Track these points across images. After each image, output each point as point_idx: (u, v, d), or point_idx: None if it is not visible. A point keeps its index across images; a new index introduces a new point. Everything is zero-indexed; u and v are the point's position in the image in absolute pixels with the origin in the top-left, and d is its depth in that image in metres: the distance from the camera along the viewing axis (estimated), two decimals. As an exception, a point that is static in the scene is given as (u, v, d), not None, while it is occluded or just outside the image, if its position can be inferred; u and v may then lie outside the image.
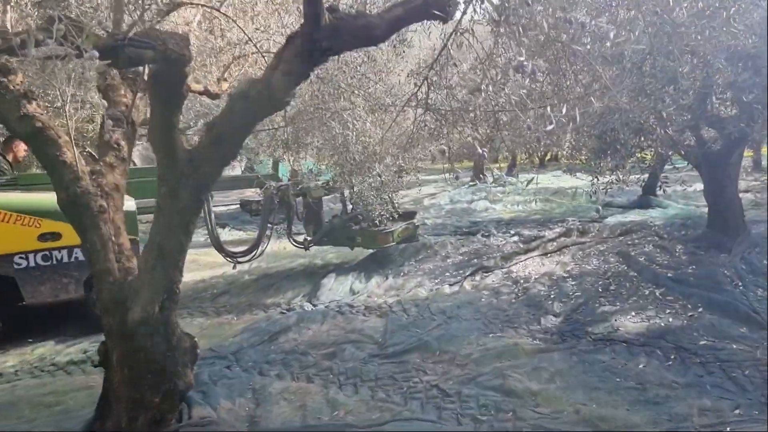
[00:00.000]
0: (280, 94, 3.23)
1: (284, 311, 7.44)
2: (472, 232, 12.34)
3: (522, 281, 8.15)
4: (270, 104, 3.31)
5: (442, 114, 4.84)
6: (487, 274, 8.72)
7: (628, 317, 6.34)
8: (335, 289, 8.19)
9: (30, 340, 6.79)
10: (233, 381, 5.16)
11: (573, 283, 7.84)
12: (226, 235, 13.69)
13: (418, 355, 5.64)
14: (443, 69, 4.61)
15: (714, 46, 5.11)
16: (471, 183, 20.62)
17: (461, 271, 8.86)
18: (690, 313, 6.28)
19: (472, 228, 12.84)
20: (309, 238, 9.10)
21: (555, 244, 10.43)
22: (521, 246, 10.39)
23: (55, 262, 6.79)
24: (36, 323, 7.15)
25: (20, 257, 6.60)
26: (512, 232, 12.01)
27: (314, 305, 7.69)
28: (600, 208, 12.48)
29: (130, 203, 7.40)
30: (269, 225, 8.60)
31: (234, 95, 3.30)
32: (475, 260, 9.56)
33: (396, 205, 9.18)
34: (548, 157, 26.87)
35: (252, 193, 9.98)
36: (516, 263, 9.23)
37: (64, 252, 6.82)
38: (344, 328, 6.59)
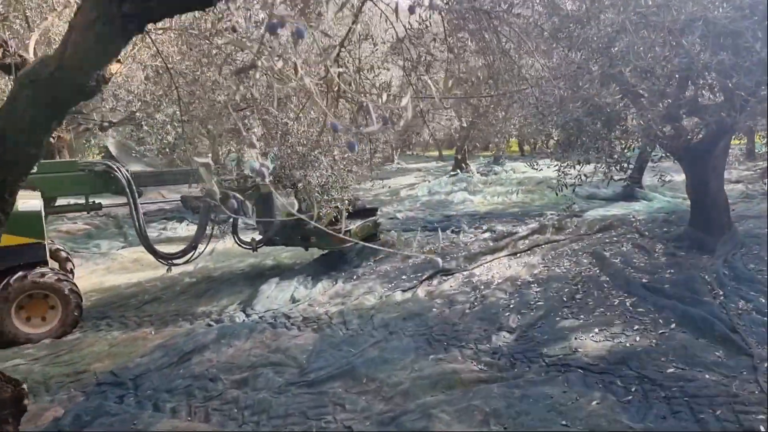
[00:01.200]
0: (81, 76, 2.40)
1: (211, 323, 6.63)
2: (442, 228, 11.53)
3: (482, 287, 7.35)
4: (72, 90, 2.47)
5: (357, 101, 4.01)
6: (446, 278, 7.92)
7: (591, 335, 5.54)
8: (274, 297, 7.38)
9: None
10: (113, 420, 4.36)
11: (537, 289, 7.04)
12: (183, 230, 12.89)
13: (341, 384, 4.84)
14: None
15: (684, 21, 4.30)
16: (452, 173, 19.77)
17: (419, 274, 8.05)
18: (661, 330, 5.47)
19: (444, 223, 12.02)
20: (257, 238, 8.28)
21: (527, 242, 9.63)
22: (490, 244, 9.59)
23: None
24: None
25: None
26: (485, 227, 11.20)
27: (247, 315, 6.88)
28: (572, 203, 11.63)
29: (34, 202, 6.59)
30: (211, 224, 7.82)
31: (20, 79, 2.45)
32: (438, 260, 8.75)
33: (351, 201, 8.36)
34: (540, 144, 26.01)
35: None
36: (480, 264, 8.43)
37: None
38: (269, 347, 5.79)
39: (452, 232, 11.08)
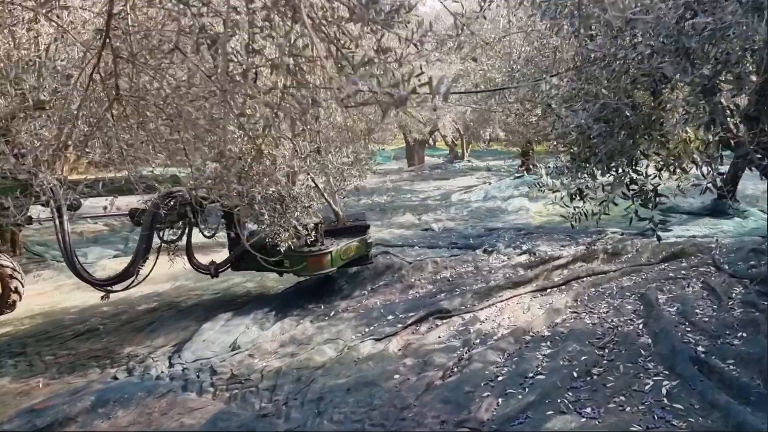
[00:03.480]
0: None
1: (115, 377, 5.28)
2: (473, 246, 9.68)
3: (477, 341, 5.55)
4: None
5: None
6: (442, 322, 6.16)
7: (589, 450, 3.66)
8: (213, 341, 5.93)
9: None
10: None
11: (546, 352, 5.16)
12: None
13: None
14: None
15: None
16: (518, 174, 17.63)
17: (408, 315, 6.34)
18: (701, 453, 3.51)
19: (477, 240, 10.14)
20: (216, 261, 6.89)
21: (565, 273, 7.64)
22: (520, 273, 7.68)
23: None
24: None
25: None
26: (525, 247, 9.23)
27: (171, 365, 5.49)
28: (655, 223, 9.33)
29: None
30: (160, 241, 6.52)
31: None
32: (441, 295, 7.00)
33: (322, 219, 6.80)
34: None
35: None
36: (492, 304, 6.59)
37: None
38: (150, 424, 4.35)
39: (484, 251, 9.20)
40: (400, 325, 6.10)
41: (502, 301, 6.70)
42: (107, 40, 2.52)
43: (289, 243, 6.26)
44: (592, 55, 4.08)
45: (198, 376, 5.22)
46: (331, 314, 6.63)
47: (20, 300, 7.54)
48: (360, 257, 7.29)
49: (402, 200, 15.06)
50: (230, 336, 6.02)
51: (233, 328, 6.19)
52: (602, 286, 6.96)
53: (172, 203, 6.40)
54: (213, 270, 6.77)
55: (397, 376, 4.93)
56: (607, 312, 6.03)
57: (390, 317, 6.41)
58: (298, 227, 6.08)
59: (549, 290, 7.01)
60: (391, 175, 19.90)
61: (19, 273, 7.48)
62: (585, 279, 7.29)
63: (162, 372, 5.34)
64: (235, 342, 5.88)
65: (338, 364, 5.29)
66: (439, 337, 5.80)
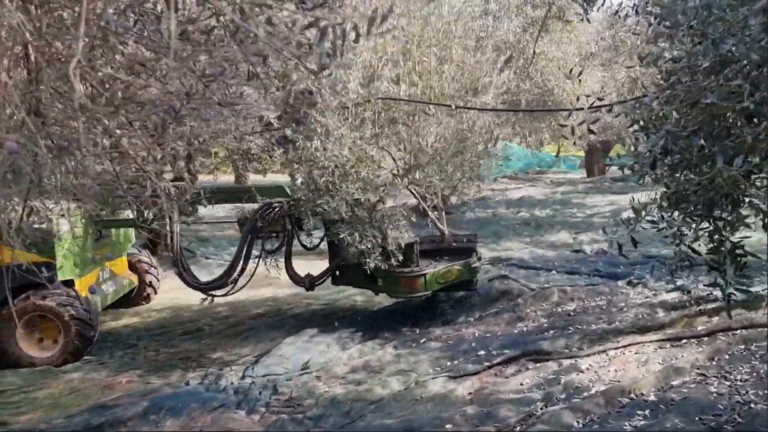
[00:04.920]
0: None
1: (187, 383, 5.43)
2: (619, 275, 8.48)
3: (556, 398, 4.74)
4: None
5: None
6: (530, 367, 5.40)
7: None
8: (288, 357, 5.85)
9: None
10: None
11: (634, 425, 4.21)
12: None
13: None
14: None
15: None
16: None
17: (501, 352, 5.67)
18: None
19: (627, 269, 8.86)
20: (312, 274, 6.83)
21: (715, 320, 6.29)
22: (656, 315, 6.49)
23: None
24: None
25: None
26: (679, 282, 7.83)
27: (242, 378, 5.52)
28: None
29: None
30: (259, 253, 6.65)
31: None
32: (550, 332, 6.17)
33: (417, 238, 6.37)
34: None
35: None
36: (601, 352, 5.63)
37: None
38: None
39: (628, 283, 7.99)
40: (486, 363, 5.47)
41: (617, 348, 5.68)
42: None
43: (377, 262, 5.98)
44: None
45: (259, 394, 5.16)
46: (421, 341, 6.19)
47: (155, 294, 8.24)
48: (462, 282, 6.72)
49: (564, 215, 13.88)
50: (307, 354, 5.89)
51: (313, 346, 6.06)
52: (757, 343, 5.58)
53: (271, 214, 6.47)
54: (307, 283, 6.71)
55: (448, 426, 4.37)
56: (746, 381, 4.78)
57: (481, 352, 5.79)
58: (388, 246, 5.78)
59: (684, 341, 5.80)
60: (564, 186, 18.54)
61: (155, 269, 8.17)
62: (738, 332, 5.91)
63: (230, 383, 5.38)
64: (308, 361, 5.73)
65: (395, 401, 4.86)
66: (521, 384, 5.06)
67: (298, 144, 5.99)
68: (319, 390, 5.15)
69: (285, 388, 5.22)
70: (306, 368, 5.62)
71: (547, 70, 10.62)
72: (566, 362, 5.42)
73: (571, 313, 6.89)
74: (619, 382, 4.91)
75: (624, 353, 5.59)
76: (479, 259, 6.95)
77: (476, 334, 6.31)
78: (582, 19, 4.33)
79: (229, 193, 7.26)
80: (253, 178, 14.56)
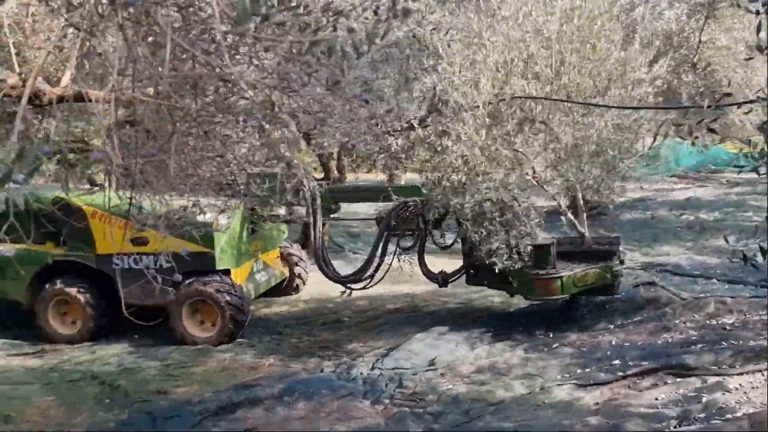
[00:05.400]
0: None
1: (321, 370, 5.78)
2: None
3: (693, 417, 4.36)
4: None
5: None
6: (669, 382, 5.02)
7: None
8: (416, 353, 5.97)
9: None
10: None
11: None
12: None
13: None
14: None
15: None
16: None
17: (639, 363, 5.34)
18: None
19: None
20: (446, 272, 6.91)
21: None
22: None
23: None
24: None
25: None
26: None
27: (372, 368, 5.77)
28: None
29: (209, 216, 6.90)
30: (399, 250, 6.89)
31: None
32: (697, 346, 5.68)
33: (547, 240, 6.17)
34: None
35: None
36: (757, 371, 5.07)
37: None
38: (313, 420, 4.66)
39: (803, 297, 7.08)
40: (620, 374, 5.19)
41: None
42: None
43: (508, 263, 5.94)
44: None
45: (386, 386, 5.36)
46: (553, 346, 6.01)
47: (304, 285, 8.82)
48: (602, 287, 6.40)
49: (736, 219, 12.52)
50: (435, 351, 5.99)
51: (442, 344, 6.14)
52: None
53: (406, 213, 6.66)
54: (441, 279, 6.80)
55: (563, 437, 4.23)
56: None
57: (616, 362, 5.49)
58: (518, 247, 5.71)
59: None
60: (741, 186, 16.65)
61: (304, 261, 8.75)
62: None
63: (360, 374, 5.64)
64: (435, 358, 5.83)
65: (517, 404, 4.80)
66: (657, 399, 4.73)
67: (430, 144, 6.11)
68: (442, 387, 5.23)
69: (410, 382, 5.37)
70: (432, 365, 5.72)
71: (715, 60, 9.66)
72: (712, 380, 4.96)
73: (728, 327, 6.26)
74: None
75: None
76: (621, 262, 6.57)
77: (614, 343, 5.98)
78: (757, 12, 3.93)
79: (367, 192, 7.57)
80: (408, 178, 14.94)
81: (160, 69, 1.66)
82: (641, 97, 6.46)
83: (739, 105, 4.55)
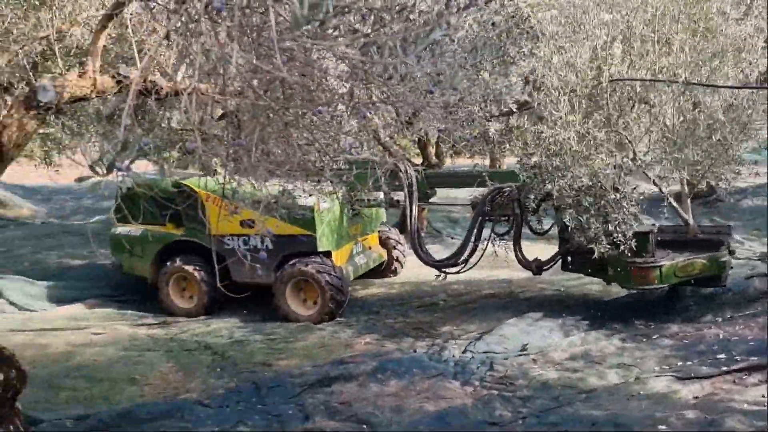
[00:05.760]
0: None
1: (414, 350, 5.95)
2: None
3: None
4: None
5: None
6: (766, 381, 4.74)
7: None
8: (509, 337, 5.99)
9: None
10: None
11: None
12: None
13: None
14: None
15: None
16: None
17: (747, 358, 5.08)
18: None
19: None
20: (540, 259, 6.84)
21: None
22: None
23: None
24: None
25: None
26: None
27: (463, 352, 5.86)
28: None
29: (311, 199, 7.25)
30: (493, 235, 6.91)
31: None
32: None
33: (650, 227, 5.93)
34: None
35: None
36: None
37: None
38: (402, 396, 4.85)
39: None
40: (723, 368, 4.97)
41: None
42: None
43: (605, 250, 5.82)
44: None
45: (476, 368, 5.44)
46: (653, 336, 5.82)
47: (401, 268, 9.04)
48: (707, 277, 6.08)
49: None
50: (528, 336, 5.98)
51: (535, 330, 6.12)
52: None
53: (500, 198, 6.66)
54: (534, 267, 6.75)
55: (661, 428, 4.12)
56: None
57: (721, 355, 5.25)
58: (617, 234, 5.58)
59: None
60: None
61: (402, 245, 8.95)
62: None
63: (452, 356, 5.76)
64: (527, 344, 5.82)
65: (608, 393, 4.72)
66: (763, 396, 4.49)
67: (526, 129, 6.06)
68: (533, 372, 5.23)
69: (501, 366, 5.42)
70: (524, 350, 5.73)
71: None
72: (827, 379, 4.63)
73: None
74: None
75: None
76: (731, 252, 6.20)
77: (720, 336, 5.69)
78: None
79: (463, 177, 7.60)
80: (509, 163, 14.74)
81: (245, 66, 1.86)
82: (758, 76, 6.04)
83: None
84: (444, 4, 1.92)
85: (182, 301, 7.74)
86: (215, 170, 4.62)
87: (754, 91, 6.21)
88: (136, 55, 4.52)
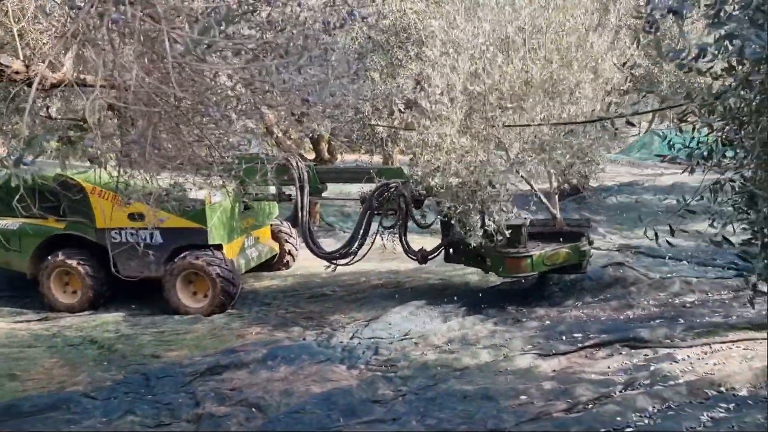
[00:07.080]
0: None
1: (303, 338, 6.20)
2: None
3: (639, 384, 4.78)
4: None
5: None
6: (623, 353, 5.44)
7: None
8: (392, 324, 6.40)
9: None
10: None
11: (710, 415, 4.19)
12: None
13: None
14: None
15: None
16: None
17: (598, 336, 5.76)
18: None
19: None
20: (425, 249, 7.30)
21: None
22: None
23: None
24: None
25: None
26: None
27: (351, 338, 6.19)
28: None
29: (202, 193, 7.26)
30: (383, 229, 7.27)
31: None
32: (656, 321, 6.09)
33: (524, 219, 6.54)
34: None
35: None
36: (704, 344, 5.48)
37: None
38: (290, 381, 5.09)
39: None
40: (579, 345, 5.62)
41: (723, 342, 5.50)
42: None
43: (483, 242, 6.32)
44: None
45: (362, 353, 5.78)
46: (522, 320, 6.43)
47: (293, 261, 9.23)
48: (570, 265, 6.80)
49: (720, 204, 12.91)
50: (410, 323, 6.41)
51: (418, 317, 6.56)
52: None
53: (387, 193, 7.03)
54: (420, 257, 7.19)
55: (522, 398, 4.65)
56: None
57: (577, 335, 5.91)
58: (491, 226, 6.09)
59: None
60: (730, 172, 17.00)
61: (294, 239, 9.15)
62: None
63: (340, 342, 6.07)
64: (410, 330, 6.25)
65: (479, 371, 5.22)
66: (609, 367, 5.16)
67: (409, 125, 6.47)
68: (413, 355, 5.65)
69: (385, 350, 5.79)
70: (407, 335, 6.14)
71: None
72: (662, 351, 5.38)
73: (688, 305, 6.67)
74: (713, 375, 4.83)
75: (731, 348, 5.41)
76: (590, 243, 6.96)
77: (578, 318, 6.40)
78: None
79: (352, 173, 7.93)
80: (402, 160, 15.27)
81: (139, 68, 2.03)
82: (616, 86, 6.81)
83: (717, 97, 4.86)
84: (322, 21, 2.18)
85: (65, 296, 7.52)
86: (103, 161, 4.61)
87: (617, 98, 7.01)
88: (18, 43, 4.43)
